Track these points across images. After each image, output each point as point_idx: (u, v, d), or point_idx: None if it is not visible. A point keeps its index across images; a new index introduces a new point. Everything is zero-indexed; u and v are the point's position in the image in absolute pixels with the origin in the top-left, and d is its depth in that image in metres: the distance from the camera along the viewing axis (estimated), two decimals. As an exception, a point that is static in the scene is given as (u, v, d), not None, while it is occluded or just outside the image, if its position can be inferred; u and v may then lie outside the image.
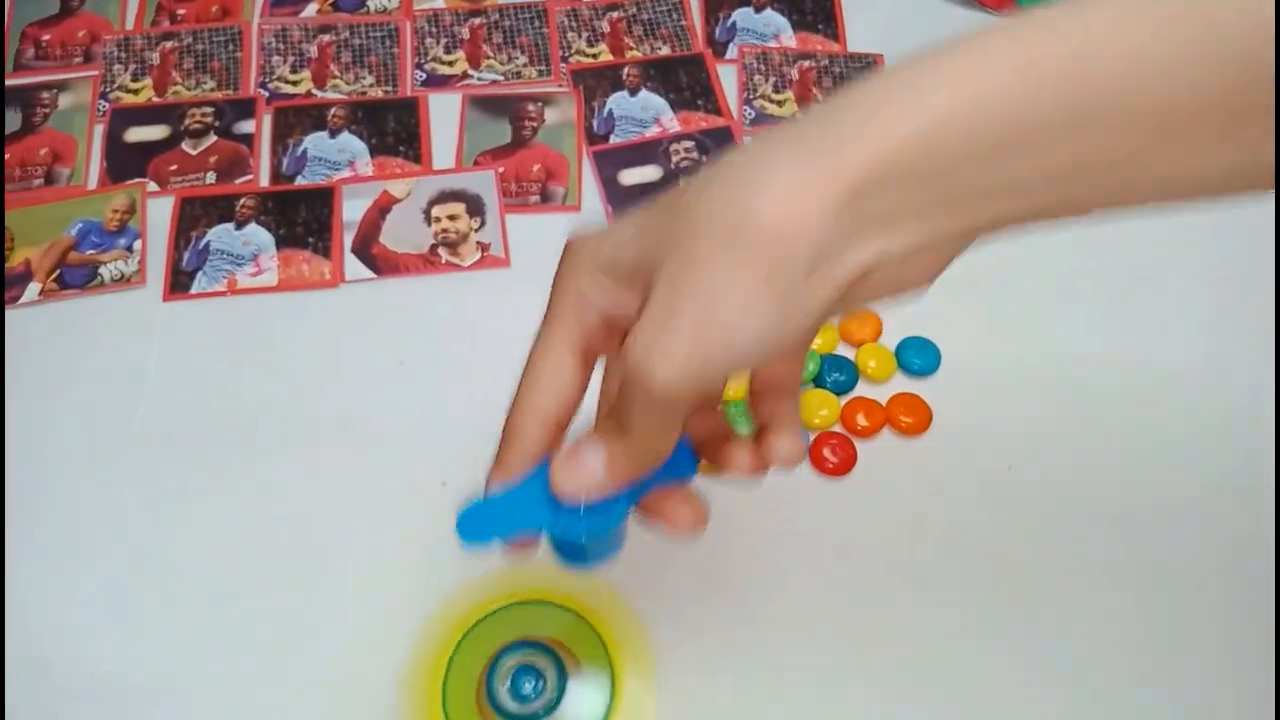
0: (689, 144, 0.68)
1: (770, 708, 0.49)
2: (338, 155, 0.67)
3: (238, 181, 0.66)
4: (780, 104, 0.70)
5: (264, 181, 0.67)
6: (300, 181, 0.66)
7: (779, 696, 0.49)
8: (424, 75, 0.72)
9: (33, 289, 0.61)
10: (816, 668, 0.50)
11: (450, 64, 0.72)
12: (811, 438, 0.56)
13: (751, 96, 0.70)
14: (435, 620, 0.46)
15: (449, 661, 0.45)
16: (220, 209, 0.65)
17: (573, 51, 0.72)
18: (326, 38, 0.73)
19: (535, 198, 0.65)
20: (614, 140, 0.68)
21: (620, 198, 0.65)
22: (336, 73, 0.72)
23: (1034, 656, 0.50)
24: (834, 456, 0.55)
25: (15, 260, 0.62)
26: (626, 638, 0.46)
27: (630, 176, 0.66)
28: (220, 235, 0.63)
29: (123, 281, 0.62)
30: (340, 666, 0.49)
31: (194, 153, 0.68)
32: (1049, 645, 0.50)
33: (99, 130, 0.69)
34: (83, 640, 0.50)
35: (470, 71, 0.72)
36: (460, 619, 0.46)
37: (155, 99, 0.71)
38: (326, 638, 0.50)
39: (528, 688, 0.42)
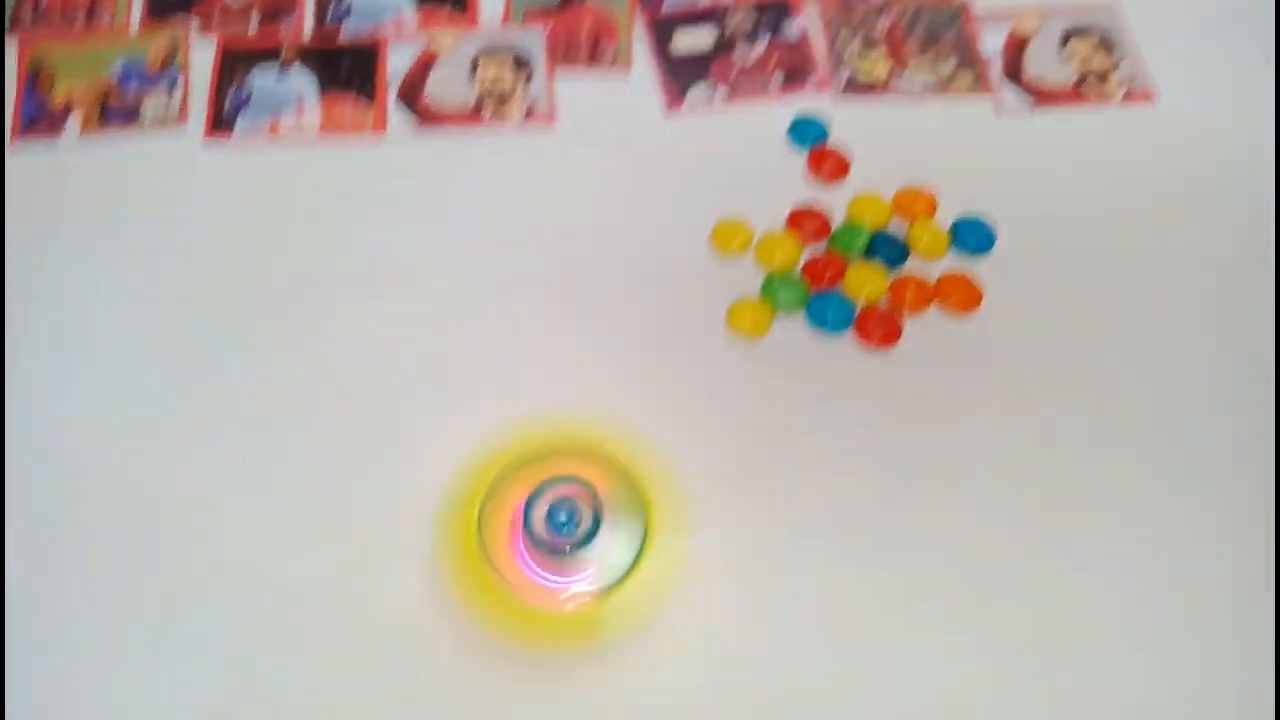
0: (747, 9, 0.65)
1: (799, 570, 0.49)
2: (383, 5, 0.66)
3: (281, 30, 0.65)
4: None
5: (308, 31, 0.65)
6: (345, 31, 0.65)
7: (809, 559, 0.49)
8: (474, -70, 0.69)
9: (74, 126, 0.60)
10: (849, 532, 0.49)
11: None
12: (857, 311, 0.55)
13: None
14: (473, 458, 0.46)
15: (485, 495, 0.44)
16: (263, 55, 0.63)
17: (629, -89, 0.70)
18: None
19: (584, 56, 0.64)
20: (667, 2, 0.66)
21: (672, 61, 0.63)
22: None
23: (1072, 536, 0.49)
24: (878, 331, 0.54)
25: (56, 97, 0.61)
26: (662, 488, 0.45)
27: (684, 39, 0.64)
28: (263, 79, 0.62)
29: (164, 121, 0.61)
30: (378, 498, 0.49)
31: (236, 4, 0.66)
32: (1090, 527, 0.50)
33: (141, -25, 0.68)
34: (127, 471, 0.51)
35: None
36: (497, 460, 0.45)
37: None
38: (365, 473, 0.50)
39: (563, 518, 0.42)
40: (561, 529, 0.42)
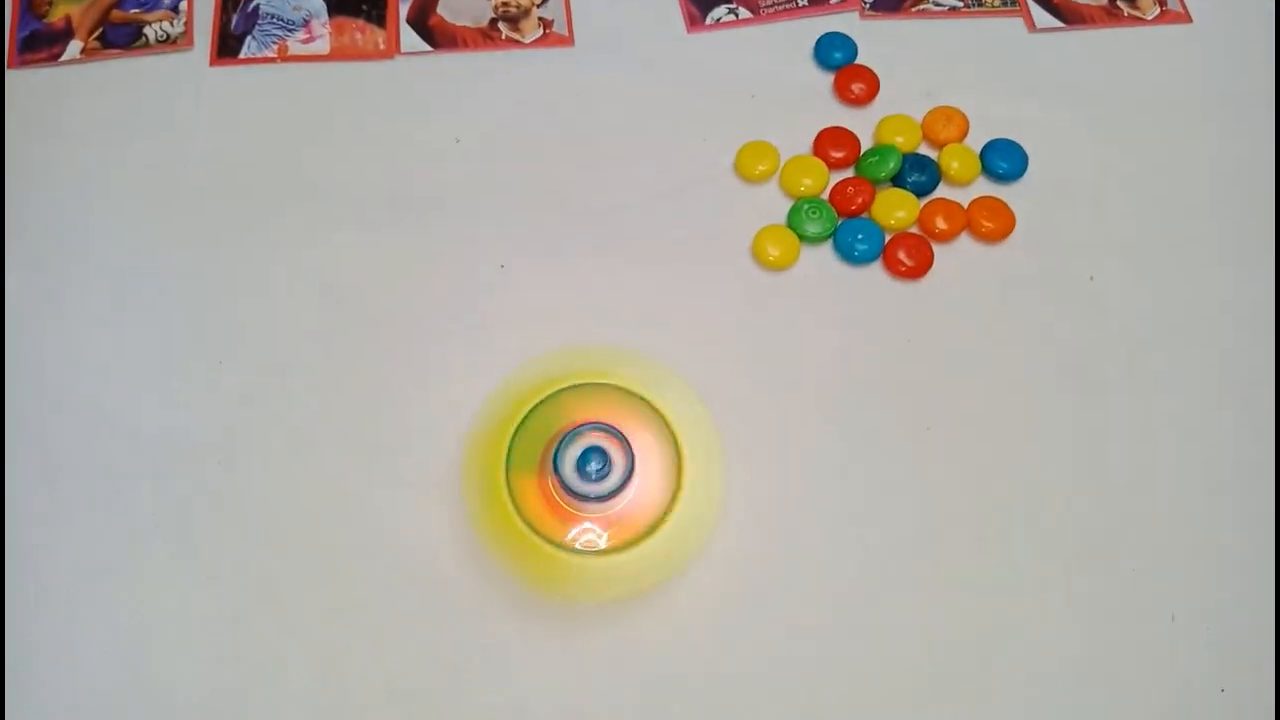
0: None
1: (833, 494, 0.48)
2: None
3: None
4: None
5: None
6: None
7: (838, 495, 0.48)
8: None
9: (74, 47, 0.58)
10: (879, 468, 0.49)
11: None
12: (887, 238, 0.54)
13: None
14: (497, 396, 0.45)
15: (513, 435, 0.43)
16: (269, -28, 0.61)
17: None
18: None
19: (603, -26, 0.61)
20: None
21: (693, -22, 0.61)
22: None
23: (1108, 468, 0.49)
24: (909, 259, 0.53)
25: (55, 16, 0.59)
26: (692, 424, 0.44)
27: (706, -46, 0.62)
28: (269, 1, 0.60)
29: (168, 43, 0.58)
30: (397, 437, 0.49)
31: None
32: (1123, 453, 0.49)
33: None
34: (134, 405, 0.50)
35: None
36: (523, 396, 0.44)
37: None
38: (383, 408, 0.49)
39: (593, 467, 0.41)
40: (592, 477, 0.41)
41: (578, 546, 0.43)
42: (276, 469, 0.48)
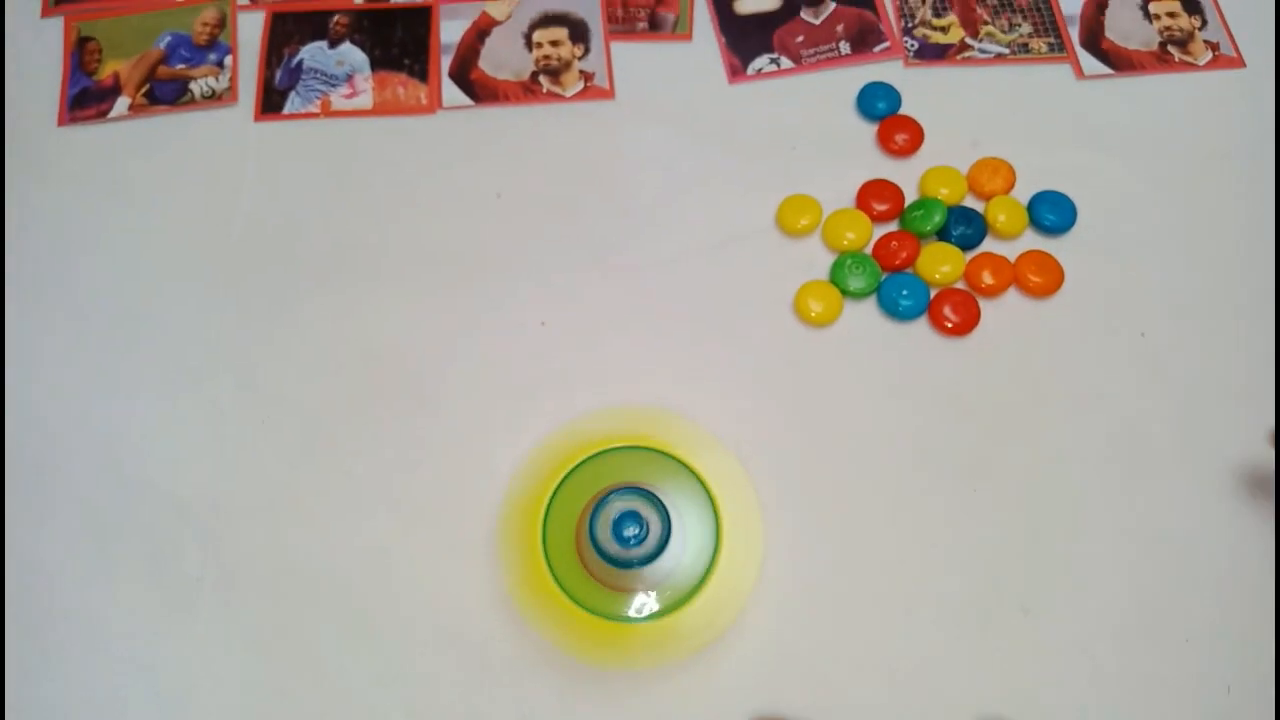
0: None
1: (875, 558, 0.47)
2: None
3: (330, -2, 0.63)
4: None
5: None
6: None
7: (884, 546, 0.47)
8: (526, -110, 0.66)
9: (122, 103, 0.59)
10: (924, 521, 0.48)
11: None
12: (932, 294, 0.53)
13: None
14: (535, 459, 0.45)
15: (550, 499, 0.43)
16: (313, 25, 0.61)
17: None
18: None
19: (643, 25, 0.61)
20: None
21: (735, 28, 0.60)
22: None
23: (1160, 529, 0.47)
24: (955, 315, 0.52)
25: (104, 73, 0.60)
26: (730, 486, 0.44)
27: (747, 3, 0.61)
28: (313, 53, 0.60)
29: (214, 99, 0.59)
30: (438, 499, 0.49)
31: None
32: (1176, 518, 0.48)
33: (187, -59, 0.66)
34: (178, 461, 0.50)
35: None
36: (561, 459, 0.44)
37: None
38: (424, 470, 0.49)
39: (630, 532, 0.40)
40: (629, 543, 0.40)
41: (614, 612, 0.42)
42: (319, 532, 0.48)
